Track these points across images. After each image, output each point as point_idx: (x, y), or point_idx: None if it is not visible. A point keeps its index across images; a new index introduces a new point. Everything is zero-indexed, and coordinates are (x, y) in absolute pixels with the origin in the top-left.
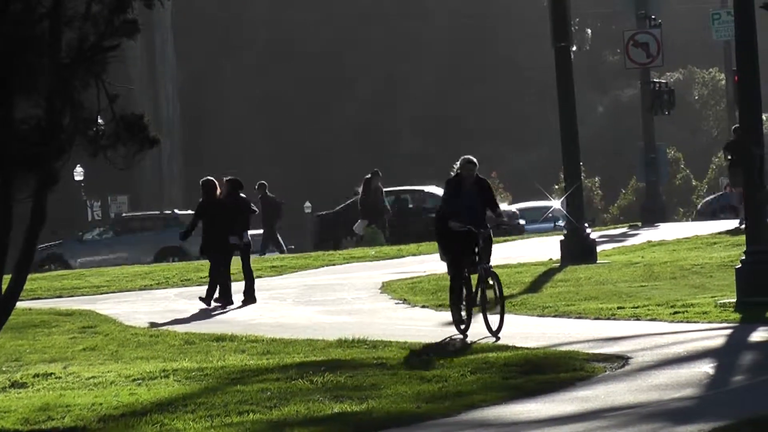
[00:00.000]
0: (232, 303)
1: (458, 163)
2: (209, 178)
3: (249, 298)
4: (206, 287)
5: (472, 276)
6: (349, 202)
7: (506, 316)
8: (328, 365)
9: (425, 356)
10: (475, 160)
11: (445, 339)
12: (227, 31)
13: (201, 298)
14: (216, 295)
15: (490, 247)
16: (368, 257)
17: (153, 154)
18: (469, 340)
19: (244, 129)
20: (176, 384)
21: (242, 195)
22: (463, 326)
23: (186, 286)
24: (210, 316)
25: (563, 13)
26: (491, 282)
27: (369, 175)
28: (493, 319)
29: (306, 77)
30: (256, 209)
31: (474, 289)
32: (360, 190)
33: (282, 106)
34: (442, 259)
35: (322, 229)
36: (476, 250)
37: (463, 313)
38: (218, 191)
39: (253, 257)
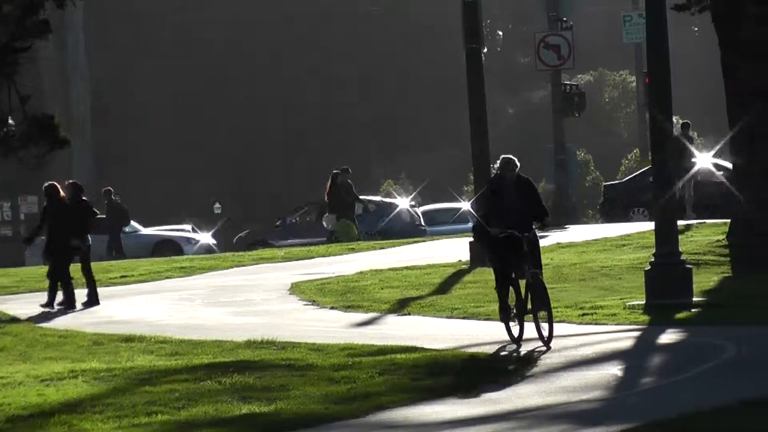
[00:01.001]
0: (74, 307)
1: (497, 162)
2: (53, 183)
3: (92, 300)
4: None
5: (520, 281)
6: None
7: (415, 318)
8: (236, 366)
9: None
10: (515, 159)
11: (499, 348)
12: (140, 32)
13: (42, 305)
14: (60, 298)
15: (538, 251)
16: (278, 258)
17: (63, 154)
18: (522, 350)
19: (156, 129)
20: (84, 385)
21: (84, 198)
22: (515, 335)
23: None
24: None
25: (475, 15)
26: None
27: (336, 171)
28: (544, 326)
29: (216, 77)
30: (98, 212)
31: (524, 296)
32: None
33: (193, 106)
34: (489, 263)
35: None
36: (522, 254)
37: (513, 326)
38: (62, 195)
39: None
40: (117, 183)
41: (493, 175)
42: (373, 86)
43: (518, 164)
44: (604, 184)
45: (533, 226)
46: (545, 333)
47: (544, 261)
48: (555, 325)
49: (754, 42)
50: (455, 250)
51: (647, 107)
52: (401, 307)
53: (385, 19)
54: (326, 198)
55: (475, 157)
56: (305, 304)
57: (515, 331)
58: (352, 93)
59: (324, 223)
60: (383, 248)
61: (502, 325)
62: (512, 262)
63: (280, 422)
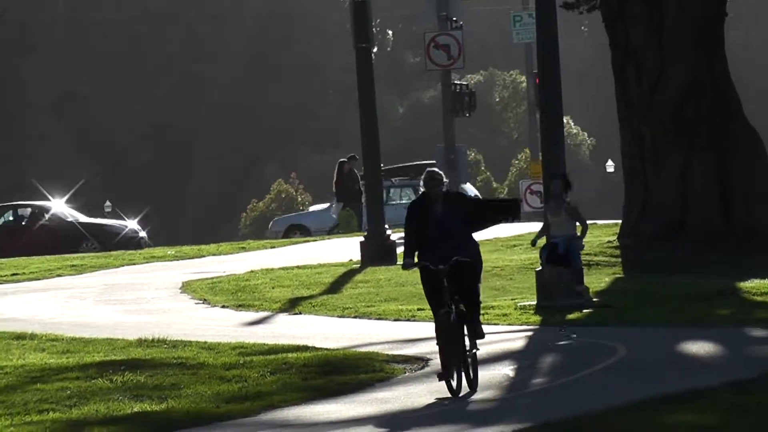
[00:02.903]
0: None
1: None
2: None
3: None
4: None
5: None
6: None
7: (306, 317)
8: (128, 364)
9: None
10: (440, 172)
11: (390, 348)
12: (23, 31)
13: None
14: None
15: (467, 280)
16: (168, 257)
17: None
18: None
19: (45, 129)
20: None
21: None
22: (452, 381)
23: None
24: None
25: (364, 14)
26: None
27: (343, 159)
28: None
29: (103, 76)
30: None
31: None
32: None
33: (80, 105)
34: None
35: None
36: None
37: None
38: None
39: None
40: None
41: (417, 196)
42: (267, 87)
43: (445, 179)
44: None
45: (475, 249)
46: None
47: None
48: None
49: (639, 42)
50: (346, 249)
51: (538, 107)
52: (292, 306)
53: (279, 19)
54: (334, 187)
55: (365, 156)
56: (197, 303)
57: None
58: (248, 93)
59: (331, 211)
60: (274, 247)
61: (398, 328)
62: (440, 297)
63: (172, 421)
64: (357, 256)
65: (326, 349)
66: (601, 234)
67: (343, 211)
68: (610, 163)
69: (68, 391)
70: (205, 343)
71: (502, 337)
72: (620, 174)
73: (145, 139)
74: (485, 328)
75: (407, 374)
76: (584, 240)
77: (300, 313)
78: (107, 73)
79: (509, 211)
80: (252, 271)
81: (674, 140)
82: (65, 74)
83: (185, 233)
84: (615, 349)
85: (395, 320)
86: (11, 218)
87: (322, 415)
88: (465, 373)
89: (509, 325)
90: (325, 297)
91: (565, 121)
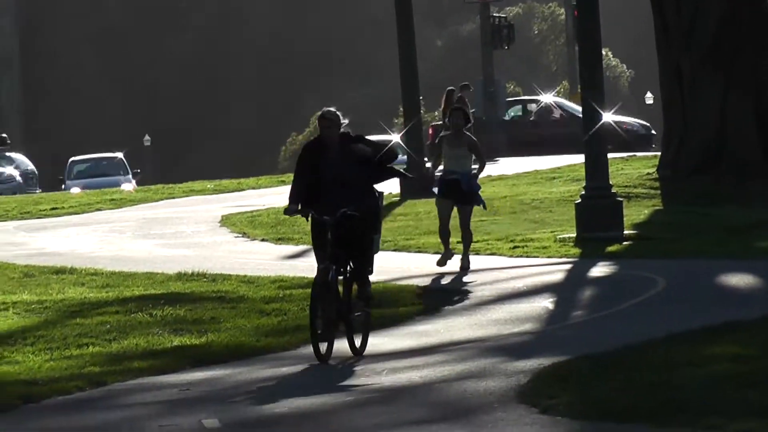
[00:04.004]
0: None
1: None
2: None
3: None
4: None
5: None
6: None
7: None
8: (167, 298)
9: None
10: (336, 112)
11: (432, 281)
12: None
13: None
14: None
15: (358, 238)
16: (208, 191)
17: None
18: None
19: (84, 62)
20: (16, 317)
21: None
22: (322, 346)
23: (25, 219)
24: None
25: None
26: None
27: (451, 87)
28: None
29: (143, 8)
30: None
31: (343, 296)
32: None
33: (118, 38)
34: None
35: None
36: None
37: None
38: None
39: None
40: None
41: (310, 139)
42: (306, 20)
43: (343, 119)
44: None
45: (373, 202)
46: (358, 343)
47: None
48: (486, 258)
49: None
50: (386, 182)
51: (576, 40)
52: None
53: None
54: (441, 115)
55: (404, 89)
56: (236, 237)
57: (323, 348)
58: (287, 26)
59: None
60: None
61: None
62: (325, 251)
63: (212, 354)
64: (396, 189)
65: None
66: (640, 166)
67: None
68: (649, 95)
69: (108, 326)
70: (245, 276)
71: (541, 270)
72: (659, 106)
73: (181, 71)
74: (525, 261)
75: (447, 307)
76: (624, 172)
77: None
78: (144, 4)
79: (388, 161)
80: None
81: (712, 72)
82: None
83: (225, 167)
84: (655, 282)
85: (435, 253)
86: (520, 113)
87: None
88: (348, 336)
89: (549, 257)
90: None
91: (603, 52)
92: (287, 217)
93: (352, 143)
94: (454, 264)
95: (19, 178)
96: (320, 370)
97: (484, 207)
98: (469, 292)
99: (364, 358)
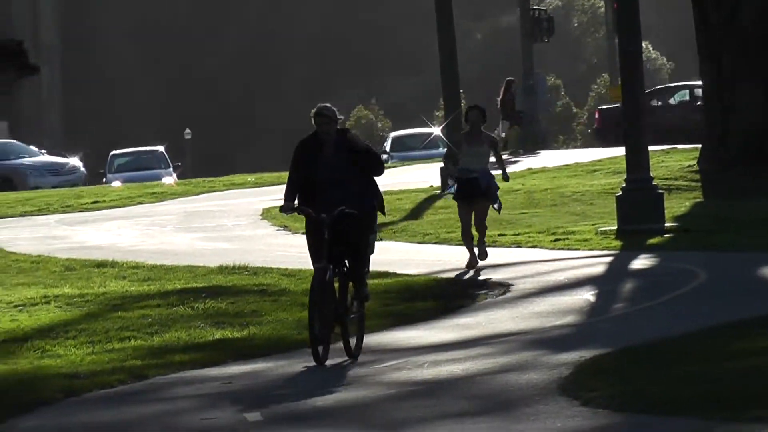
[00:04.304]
0: None
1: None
2: None
3: None
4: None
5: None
6: None
7: (387, 243)
8: (209, 292)
9: None
10: (332, 108)
11: (474, 274)
12: None
13: None
14: None
15: (352, 235)
16: (248, 184)
17: (32, 80)
18: (494, 276)
19: (125, 55)
20: (57, 310)
21: None
22: (319, 348)
23: (67, 213)
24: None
25: None
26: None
27: (510, 78)
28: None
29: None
30: None
31: (339, 297)
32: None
33: (161, 31)
34: None
35: None
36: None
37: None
38: None
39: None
40: (86, 107)
41: (307, 135)
42: (344, 13)
43: (339, 116)
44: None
45: (369, 202)
46: (353, 344)
47: (515, 186)
48: (528, 250)
49: None
50: (426, 175)
51: (616, 32)
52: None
53: None
54: (499, 105)
55: (444, 82)
56: (277, 230)
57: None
58: (328, 23)
59: (498, 130)
60: None
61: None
62: (321, 251)
63: (253, 347)
64: (437, 182)
65: (407, 275)
66: (681, 158)
67: (511, 130)
68: None
69: (149, 319)
70: (286, 269)
71: (582, 262)
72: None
73: (225, 66)
74: (566, 253)
75: (489, 300)
76: (665, 164)
77: (380, 240)
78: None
79: (373, 170)
80: None
81: (753, 65)
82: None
83: (266, 160)
84: (695, 274)
85: (474, 246)
86: (687, 98)
87: (404, 341)
88: (343, 338)
89: (590, 250)
90: (405, 223)
91: (643, 45)
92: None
93: (349, 140)
94: (491, 258)
95: (83, 169)
96: (362, 364)
97: (499, 209)
98: (511, 284)
99: (405, 351)
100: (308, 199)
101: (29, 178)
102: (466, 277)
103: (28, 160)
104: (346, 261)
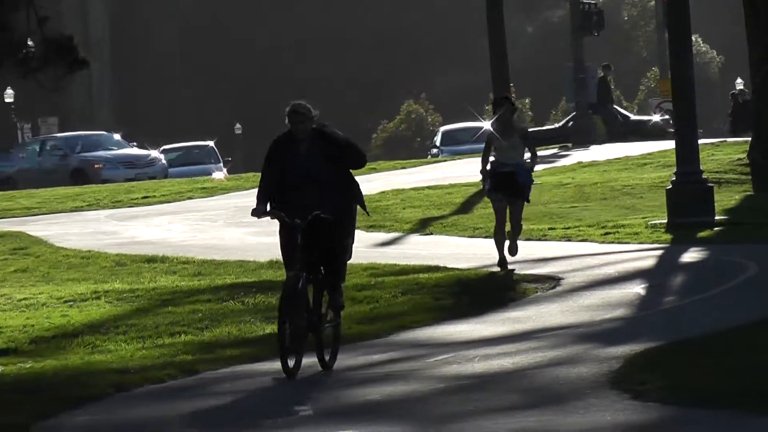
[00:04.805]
0: None
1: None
2: None
3: None
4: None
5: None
6: None
7: (437, 237)
8: (259, 286)
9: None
10: (308, 106)
11: (522, 267)
12: None
13: None
14: None
15: (327, 241)
16: None
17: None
18: (545, 270)
19: (174, 49)
20: (108, 305)
21: None
22: (290, 360)
23: (117, 208)
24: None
25: None
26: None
27: (603, 65)
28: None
29: None
30: None
31: (313, 306)
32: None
33: (212, 25)
34: None
35: None
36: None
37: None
38: None
39: None
40: (136, 102)
41: (281, 134)
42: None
43: (314, 112)
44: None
45: (347, 204)
46: (327, 356)
47: (565, 179)
48: (578, 244)
49: None
50: (476, 169)
51: (666, 25)
52: (423, 226)
53: None
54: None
55: (494, 76)
56: None
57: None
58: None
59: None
60: (404, 168)
61: (529, 247)
62: (288, 259)
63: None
64: None
65: (457, 269)
66: (731, 152)
67: (594, 116)
68: (739, 80)
69: (200, 314)
70: None
71: (633, 255)
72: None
73: (274, 60)
74: (617, 247)
75: (539, 293)
76: (715, 157)
77: (431, 234)
78: None
79: (355, 162)
80: (383, 192)
81: None
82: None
83: None
84: (746, 267)
85: (526, 240)
86: None
87: (454, 335)
88: (317, 349)
89: (640, 243)
90: (455, 217)
91: (693, 38)
92: (376, 204)
93: (325, 139)
94: (545, 250)
95: (164, 161)
96: (413, 358)
97: (527, 201)
98: (561, 278)
99: (456, 345)
100: (281, 201)
101: (101, 171)
102: (516, 271)
103: (104, 152)
104: (321, 268)
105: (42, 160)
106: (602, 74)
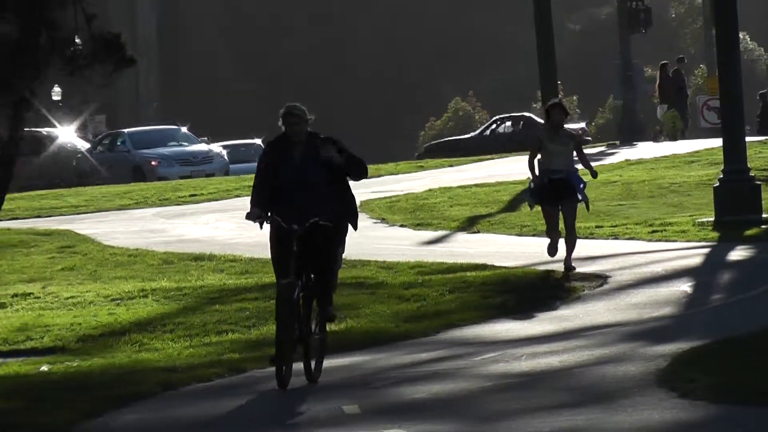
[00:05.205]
0: None
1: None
2: None
3: None
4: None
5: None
6: None
7: (485, 235)
8: None
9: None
10: (303, 108)
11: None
12: None
13: None
14: None
15: (323, 248)
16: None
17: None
18: (592, 268)
19: (220, 47)
20: (155, 303)
21: None
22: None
23: (164, 206)
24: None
25: None
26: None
27: (665, 61)
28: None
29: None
30: None
31: (303, 315)
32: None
33: (254, 24)
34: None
35: None
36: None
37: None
38: None
39: None
40: (183, 100)
41: (275, 137)
42: (439, 5)
43: (309, 116)
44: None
45: (339, 212)
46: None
47: (613, 177)
48: (625, 242)
49: None
50: (524, 167)
51: (713, 23)
52: (471, 224)
53: None
54: (656, 89)
55: (541, 73)
56: (375, 222)
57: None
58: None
59: (658, 114)
60: (452, 165)
61: (576, 246)
62: (281, 266)
63: (351, 340)
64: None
65: (505, 267)
66: None
67: (667, 112)
68: None
69: (247, 312)
70: (384, 262)
71: (680, 254)
72: None
73: (318, 60)
74: (664, 245)
75: (586, 292)
76: (762, 155)
77: (478, 232)
78: None
79: (356, 173)
80: (430, 190)
81: None
82: None
83: (362, 153)
84: None
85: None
86: None
87: (501, 333)
88: (305, 359)
89: (687, 241)
90: (503, 215)
91: (741, 36)
92: (423, 202)
93: (321, 143)
94: (593, 248)
95: (225, 157)
96: (460, 356)
97: (587, 206)
98: (608, 276)
99: (503, 343)
100: (273, 204)
101: (157, 168)
102: (563, 269)
103: (162, 149)
104: (312, 276)
105: (112, 155)
106: (676, 67)
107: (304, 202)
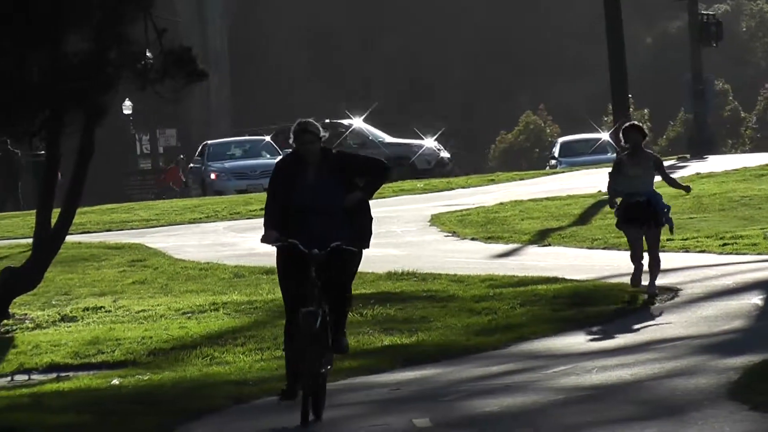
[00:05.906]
0: None
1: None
2: None
3: None
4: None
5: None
6: None
7: (556, 249)
8: (377, 298)
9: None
10: (316, 124)
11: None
12: None
13: None
14: None
15: (342, 274)
16: (417, 190)
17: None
18: (662, 281)
19: (292, 61)
20: (226, 317)
21: None
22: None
23: (235, 220)
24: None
25: None
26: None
27: None
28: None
29: (355, 7)
30: None
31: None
32: None
33: (329, 38)
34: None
35: None
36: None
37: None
38: None
39: None
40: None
41: (287, 155)
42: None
43: (323, 132)
44: None
45: (362, 222)
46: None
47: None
48: (696, 255)
49: None
50: (594, 180)
51: None
52: (542, 237)
53: None
54: None
55: (613, 86)
56: (446, 236)
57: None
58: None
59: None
60: (522, 179)
61: (647, 259)
62: (297, 292)
63: (422, 354)
64: (605, 187)
65: (576, 280)
66: None
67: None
68: None
69: None
70: (455, 275)
71: (751, 266)
72: None
73: (391, 72)
74: (735, 258)
75: (657, 304)
76: None
77: (549, 245)
78: (357, 3)
79: (375, 176)
80: (501, 203)
81: None
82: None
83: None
84: None
85: (645, 251)
86: None
87: (572, 346)
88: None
89: (758, 254)
90: (574, 228)
91: None
92: (494, 215)
93: (335, 160)
94: (664, 261)
95: None
96: (531, 369)
97: (671, 230)
98: (679, 289)
99: (574, 356)
100: (285, 227)
101: (214, 183)
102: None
103: (227, 162)
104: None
105: (196, 168)
106: None
107: (323, 225)
